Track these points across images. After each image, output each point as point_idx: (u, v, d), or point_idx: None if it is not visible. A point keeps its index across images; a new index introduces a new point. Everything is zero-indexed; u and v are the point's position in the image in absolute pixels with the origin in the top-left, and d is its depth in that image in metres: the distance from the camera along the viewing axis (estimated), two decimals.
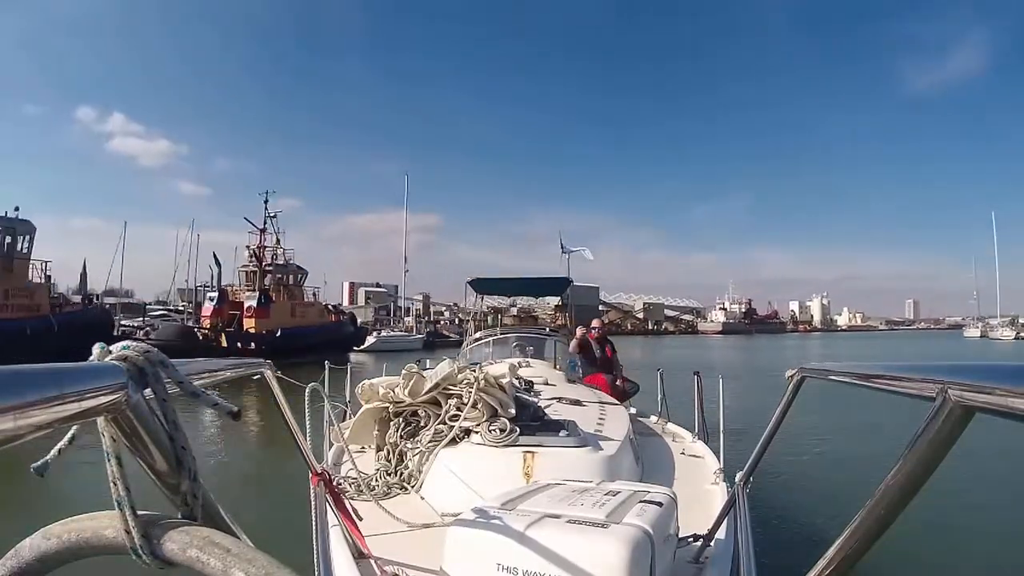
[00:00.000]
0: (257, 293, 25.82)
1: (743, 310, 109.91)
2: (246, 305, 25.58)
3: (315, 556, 1.74)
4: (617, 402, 4.50)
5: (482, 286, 8.51)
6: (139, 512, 0.64)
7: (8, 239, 20.10)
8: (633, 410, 4.93)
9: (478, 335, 6.83)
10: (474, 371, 3.13)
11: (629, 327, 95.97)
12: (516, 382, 3.71)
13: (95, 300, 25.52)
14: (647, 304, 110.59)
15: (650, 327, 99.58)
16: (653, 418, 5.05)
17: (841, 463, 7.68)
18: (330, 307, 31.20)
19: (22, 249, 20.50)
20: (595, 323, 6.76)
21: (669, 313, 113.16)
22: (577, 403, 3.82)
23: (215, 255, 29.32)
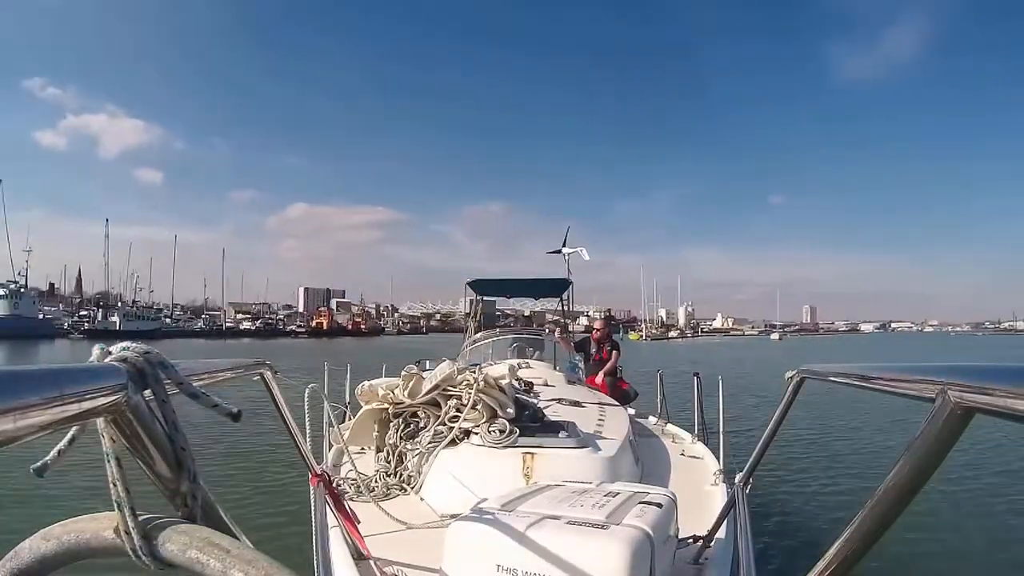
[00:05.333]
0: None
1: (603, 316, 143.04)
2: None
3: (315, 557, 1.74)
4: (617, 403, 4.50)
5: (482, 287, 8.51)
6: (139, 513, 0.64)
7: None
8: (632, 411, 4.93)
9: (477, 336, 6.83)
10: (473, 372, 3.13)
11: None
12: (516, 383, 3.71)
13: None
14: (532, 311, 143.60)
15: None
16: (653, 419, 5.05)
17: (841, 464, 7.67)
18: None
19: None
20: (597, 324, 6.76)
21: (550, 317, 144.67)
22: (577, 404, 3.82)
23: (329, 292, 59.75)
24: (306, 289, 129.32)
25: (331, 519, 1.87)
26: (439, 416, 3.05)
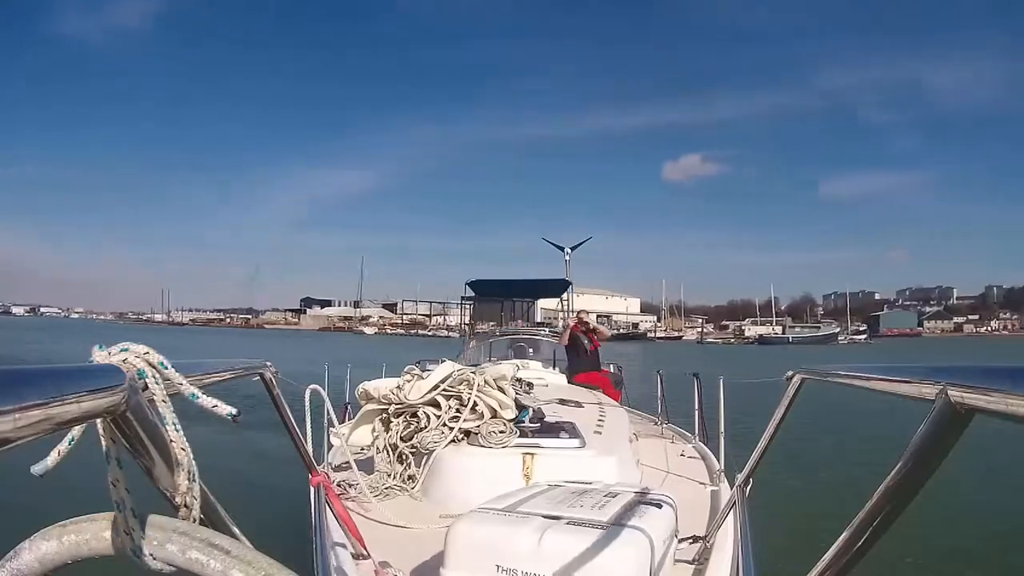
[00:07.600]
0: None
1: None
2: None
3: (315, 557, 1.73)
4: (617, 403, 4.50)
5: (481, 288, 8.50)
6: (139, 513, 0.64)
7: None
8: (632, 411, 4.94)
9: (477, 336, 6.83)
10: (474, 372, 3.13)
11: None
12: (516, 383, 3.71)
13: None
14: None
15: None
16: (652, 419, 5.05)
17: (841, 464, 7.66)
18: None
19: None
20: (580, 315, 6.42)
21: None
22: (577, 405, 3.82)
23: None
24: None
25: (331, 519, 1.87)
26: (439, 416, 3.05)
